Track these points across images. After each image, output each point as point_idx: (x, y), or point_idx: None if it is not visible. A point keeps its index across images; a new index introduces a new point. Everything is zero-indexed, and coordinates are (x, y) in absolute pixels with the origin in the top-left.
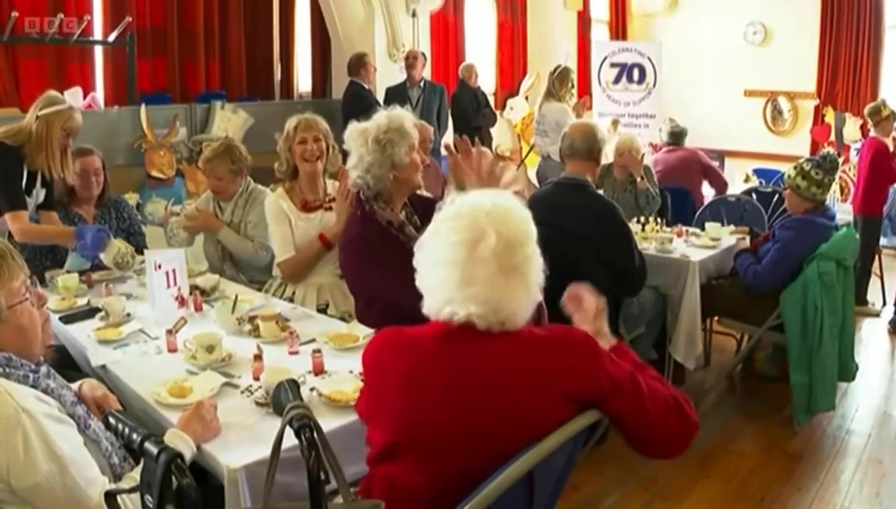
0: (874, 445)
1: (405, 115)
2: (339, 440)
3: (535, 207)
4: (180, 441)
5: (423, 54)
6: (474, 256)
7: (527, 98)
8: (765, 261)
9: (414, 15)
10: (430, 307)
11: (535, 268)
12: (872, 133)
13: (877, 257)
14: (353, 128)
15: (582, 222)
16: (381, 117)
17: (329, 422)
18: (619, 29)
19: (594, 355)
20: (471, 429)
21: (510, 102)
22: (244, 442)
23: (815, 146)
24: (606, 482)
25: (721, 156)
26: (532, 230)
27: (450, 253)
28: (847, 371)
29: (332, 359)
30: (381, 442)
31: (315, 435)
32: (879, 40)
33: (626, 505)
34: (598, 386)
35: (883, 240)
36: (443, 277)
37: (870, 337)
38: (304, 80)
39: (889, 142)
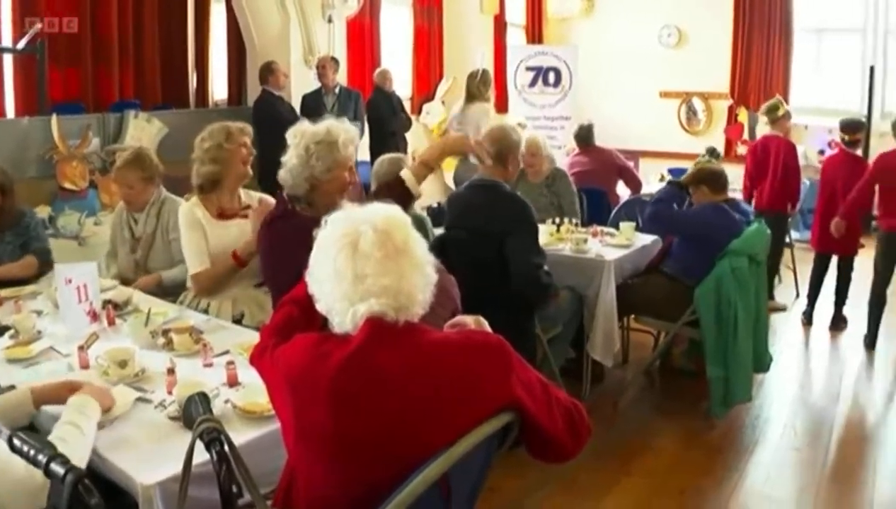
0: (791, 434)
1: (344, 132)
2: (254, 451)
3: (450, 209)
4: (88, 404)
5: (335, 60)
6: (358, 254)
7: (443, 102)
8: (673, 212)
9: (330, 21)
10: (338, 323)
11: (421, 247)
12: (770, 131)
13: (789, 252)
14: (297, 126)
15: (493, 221)
16: (322, 126)
17: (244, 434)
18: (535, 33)
19: (508, 360)
20: (385, 435)
21: (426, 107)
22: (158, 458)
23: (729, 145)
24: (527, 484)
25: (636, 156)
26: (406, 218)
27: (336, 263)
28: (762, 363)
29: (247, 371)
30: (300, 455)
31: (226, 448)
32: (789, 42)
33: (548, 506)
34: (511, 390)
35: (795, 235)
36: (336, 288)
37: (784, 328)
38: (219, 88)
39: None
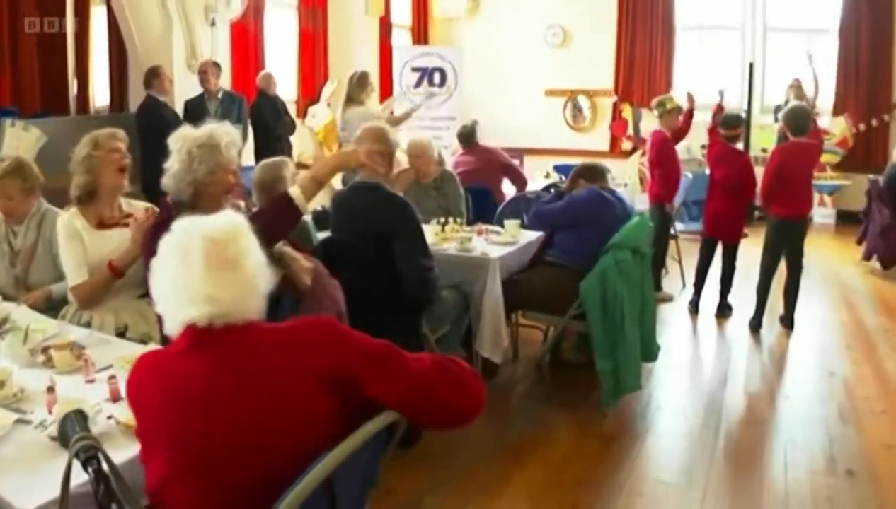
0: (682, 420)
1: (226, 135)
2: (140, 466)
3: (335, 212)
4: None
5: (217, 64)
6: (187, 262)
7: (328, 105)
8: (552, 206)
9: (213, 24)
10: (167, 328)
11: (254, 259)
12: (658, 126)
13: (675, 243)
14: (179, 131)
15: (379, 223)
16: (203, 130)
17: (128, 450)
18: (420, 34)
19: (338, 331)
20: (241, 439)
21: (311, 110)
22: (38, 482)
23: (613, 141)
24: (422, 483)
25: (521, 154)
26: (245, 230)
27: (167, 269)
28: (650, 352)
29: None
30: (159, 474)
31: (104, 465)
32: (671, 39)
33: (445, 504)
34: (347, 359)
35: (680, 226)
36: (168, 293)
37: (672, 318)
38: (100, 94)
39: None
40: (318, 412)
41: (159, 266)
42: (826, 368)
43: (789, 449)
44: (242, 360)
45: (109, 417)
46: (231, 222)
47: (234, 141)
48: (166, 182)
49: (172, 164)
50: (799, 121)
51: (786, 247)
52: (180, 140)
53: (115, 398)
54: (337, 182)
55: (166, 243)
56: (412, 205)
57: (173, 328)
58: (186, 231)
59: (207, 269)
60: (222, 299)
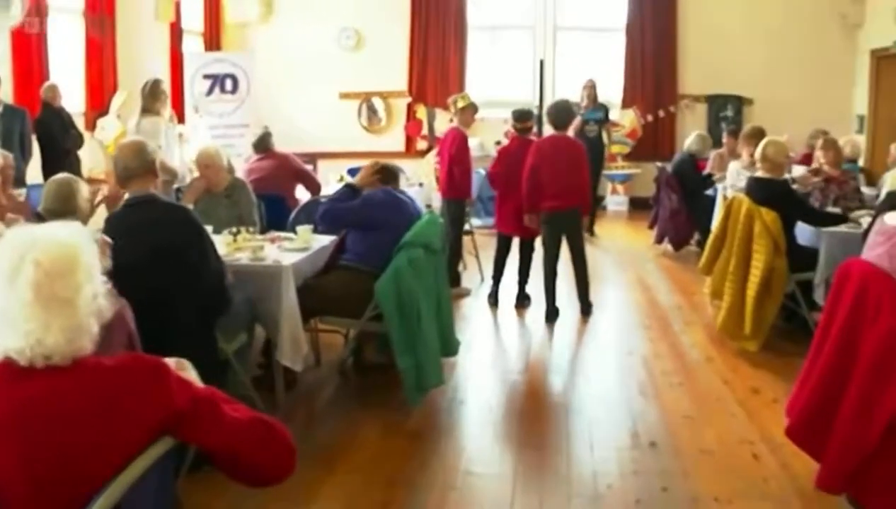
0: (487, 411)
1: None
2: None
3: (115, 235)
4: None
5: None
6: (13, 288)
7: (119, 116)
8: (342, 205)
9: None
10: None
11: (86, 296)
12: (454, 123)
13: (472, 238)
14: None
15: (164, 235)
16: None
17: None
18: (213, 40)
19: (161, 378)
20: (39, 474)
21: (101, 122)
22: None
23: (409, 142)
24: (230, 500)
25: (315, 159)
26: (85, 258)
27: None
28: (450, 347)
29: None
30: None
31: None
32: (464, 40)
33: None
34: (167, 409)
35: (476, 222)
36: None
37: (472, 312)
38: None
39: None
40: (130, 453)
41: None
42: (625, 348)
43: (594, 427)
44: (55, 391)
45: None
46: (70, 244)
47: None
48: None
49: None
50: (560, 115)
51: (564, 238)
52: None
53: None
54: None
55: None
56: (190, 210)
57: None
58: (19, 249)
59: (34, 304)
60: (47, 340)
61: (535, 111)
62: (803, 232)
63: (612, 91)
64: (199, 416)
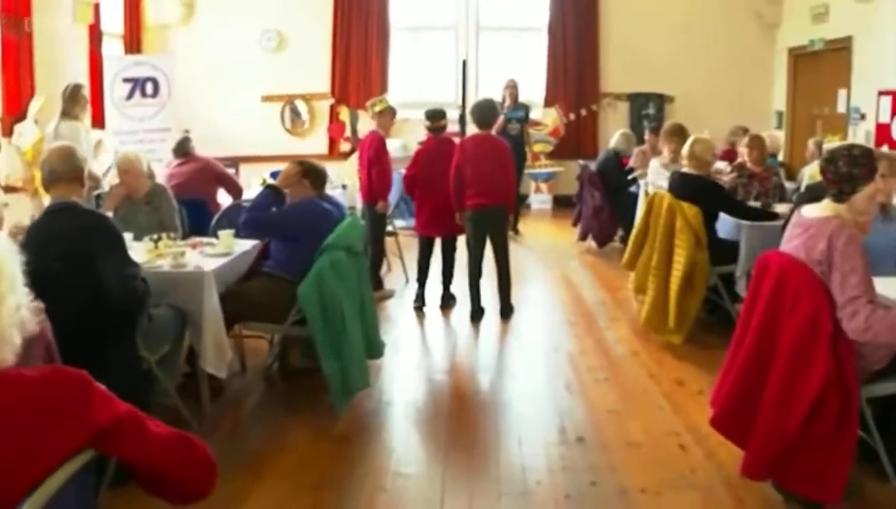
0: (414, 411)
1: None
2: None
3: (31, 244)
4: None
5: None
6: None
7: (36, 121)
8: (267, 216)
9: None
10: None
11: (9, 307)
12: (373, 126)
13: (395, 240)
14: None
15: (82, 241)
16: None
17: None
18: (133, 42)
19: (84, 392)
20: None
21: (18, 128)
22: None
23: (332, 144)
24: None
25: (237, 162)
26: (8, 269)
27: None
28: (375, 349)
29: None
30: None
31: None
32: (386, 40)
33: None
34: (90, 423)
35: (400, 223)
36: None
37: (398, 313)
38: None
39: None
40: (51, 467)
41: None
42: (551, 345)
43: (522, 425)
44: None
45: None
46: None
47: None
48: None
49: None
50: (485, 114)
51: (488, 236)
52: None
53: None
54: None
55: None
56: (108, 217)
57: None
58: None
59: None
60: None
61: (458, 111)
62: (724, 225)
63: (534, 90)
64: (123, 431)
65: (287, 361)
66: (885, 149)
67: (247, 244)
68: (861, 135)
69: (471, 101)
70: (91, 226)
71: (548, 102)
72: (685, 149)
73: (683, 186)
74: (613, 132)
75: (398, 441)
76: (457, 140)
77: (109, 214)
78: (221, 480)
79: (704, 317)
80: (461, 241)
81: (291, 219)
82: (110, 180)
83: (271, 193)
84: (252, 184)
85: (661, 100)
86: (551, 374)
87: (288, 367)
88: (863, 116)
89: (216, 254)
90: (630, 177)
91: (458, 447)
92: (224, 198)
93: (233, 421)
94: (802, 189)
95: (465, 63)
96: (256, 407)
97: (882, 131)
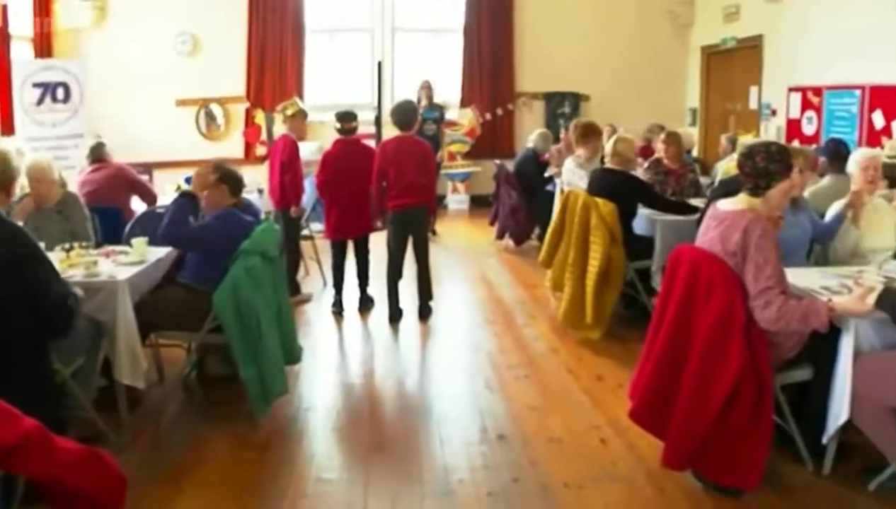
0: (331, 415)
1: None
2: None
3: None
4: None
5: None
6: None
7: None
8: (188, 231)
9: None
10: None
11: None
12: (285, 130)
13: (312, 243)
14: None
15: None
16: None
17: None
18: (43, 46)
19: None
20: None
21: None
22: None
23: (248, 148)
24: None
25: (151, 168)
26: None
27: None
28: (293, 354)
29: None
30: None
31: None
32: (302, 43)
33: None
34: None
35: (317, 226)
36: None
37: (316, 317)
38: None
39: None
40: None
41: None
42: (470, 344)
43: (443, 425)
44: None
45: None
46: None
47: None
48: None
49: None
50: (405, 116)
51: (409, 236)
52: None
53: None
54: None
55: None
56: (20, 227)
57: None
58: None
59: None
60: None
61: (374, 112)
62: (639, 221)
63: (450, 91)
64: (29, 449)
65: (205, 369)
66: (796, 143)
67: (161, 252)
68: (772, 130)
69: (386, 103)
70: (14, 240)
71: (464, 103)
72: (608, 147)
73: (605, 181)
74: (529, 131)
75: (319, 446)
76: (368, 142)
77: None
78: (142, 492)
79: (622, 312)
80: (376, 243)
81: (211, 235)
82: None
83: (186, 202)
84: (167, 190)
85: (576, 99)
86: (471, 374)
87: (206, 375)
88: (774, 112)
89: (130, 263)
90: (547, 175)
91: (379, 450)
92: (138, 206)
93: (152, 432)
94: (716, 184)
95: (380, 65)
96: (176, 416)
97: (792, 126)
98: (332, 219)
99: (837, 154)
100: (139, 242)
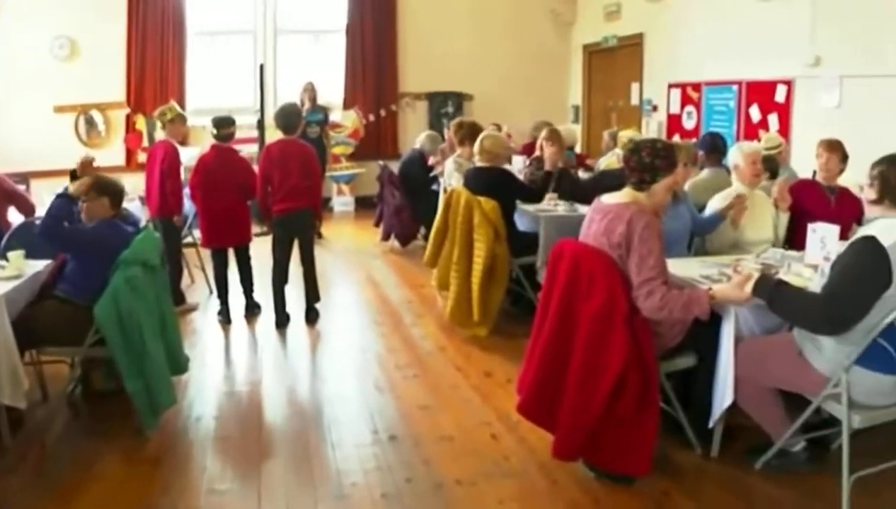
0: (221, 424)
1: None
2: None
3: None
4: None
5: None
6: None
7: None
8: (67, 230)
9: None
10: None
11: None
12: (164, 136)
13: (196, 251)
14: None
15: None
16: None
17: None
18: None
19: None
20: None
21: None
22: None
23: (129, 154)
24: None
25: (27, 178)
26: None
27: None
28: (179, 364)
29: None
30: None
31: None
32: (183, 46)
33: None
34: None
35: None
36: None
37: (203, 326)
38: None
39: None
40: None
41: None
42: (359, 346)
43: (334, 428)
44: None
45: None
46: None
47: None
48: None
49: None
50: (289, 119)
51: (294, 240)
52: None
53: None
54: None
55: None
56: None
57: None
58: None
59: None
60: None
61: (256, 116)
62: (522, 218)
63: (333, 92)
64: None
65: (90, 384)
66: (676, 138)
67: (38, 265)
68: (654, 125)
69: (269, 106)
70: None
71: (347, 104)
72: (476, 146)
73: (478, 180)
74: (413, 132)
75: (210, 457)
76: (251, 146)
77: None
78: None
79: (508, 309)
80: (261, 248)
81: (89, 240)
82: None
83: (65, 203)
84: (45, 200)
85: (459, 98)
86: (361, 376)
87: (92, 390)
88: (655, 108)
89: (6, 278)
90: (432, 175)
91: (271, 457)
92: (15, 217)
93: (38, 452)
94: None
95: (262, 67)
96: (62, 436)
97: (673, 121)
98: (204, 227)
99: (715, 147)
100: (16, 256)
